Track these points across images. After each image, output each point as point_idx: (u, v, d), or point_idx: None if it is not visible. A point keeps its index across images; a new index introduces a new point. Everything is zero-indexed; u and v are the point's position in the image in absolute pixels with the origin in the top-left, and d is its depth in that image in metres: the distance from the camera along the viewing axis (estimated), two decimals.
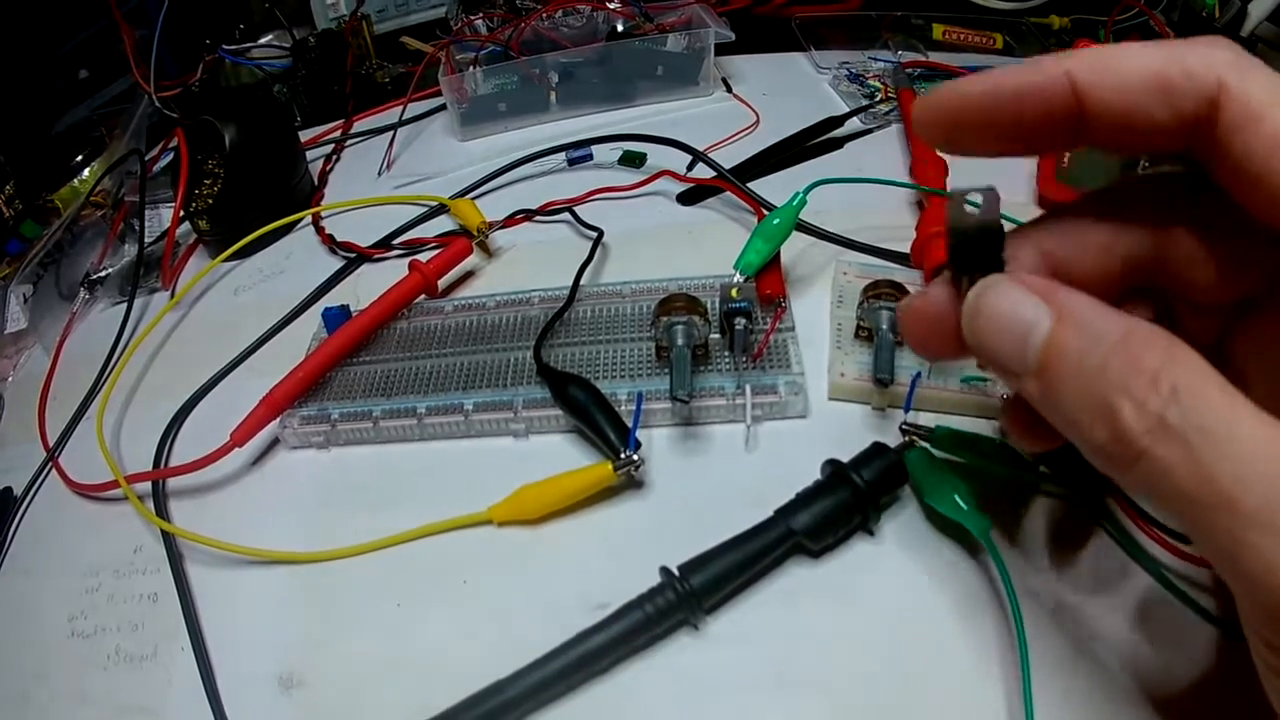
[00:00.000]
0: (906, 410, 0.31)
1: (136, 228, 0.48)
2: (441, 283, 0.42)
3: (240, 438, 0.34)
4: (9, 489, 0.37)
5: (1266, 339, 0.19)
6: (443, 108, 0.58)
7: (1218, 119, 0.16)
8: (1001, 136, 0.19)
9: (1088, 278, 0.20)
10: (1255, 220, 0.17)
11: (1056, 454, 0.25)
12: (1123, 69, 0.17)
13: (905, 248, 0.39)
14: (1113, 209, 0.20)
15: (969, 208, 0.19)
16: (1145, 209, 0.20)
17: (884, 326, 0.33)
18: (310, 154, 0.55)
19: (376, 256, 0.46)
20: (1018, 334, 0.17)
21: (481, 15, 0.58)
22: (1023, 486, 0.29)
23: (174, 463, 0.36)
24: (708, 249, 0.42)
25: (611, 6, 0.56)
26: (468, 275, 0.44)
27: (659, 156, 0.49)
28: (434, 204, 0.48)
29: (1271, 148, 0.16)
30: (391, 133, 0.55)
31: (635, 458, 0.30)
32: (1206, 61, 0.16)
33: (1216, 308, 0.20)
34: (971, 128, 0.19)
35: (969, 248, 0.19)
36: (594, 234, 0.43)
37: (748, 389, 0.33)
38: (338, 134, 0.58)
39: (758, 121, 0.52)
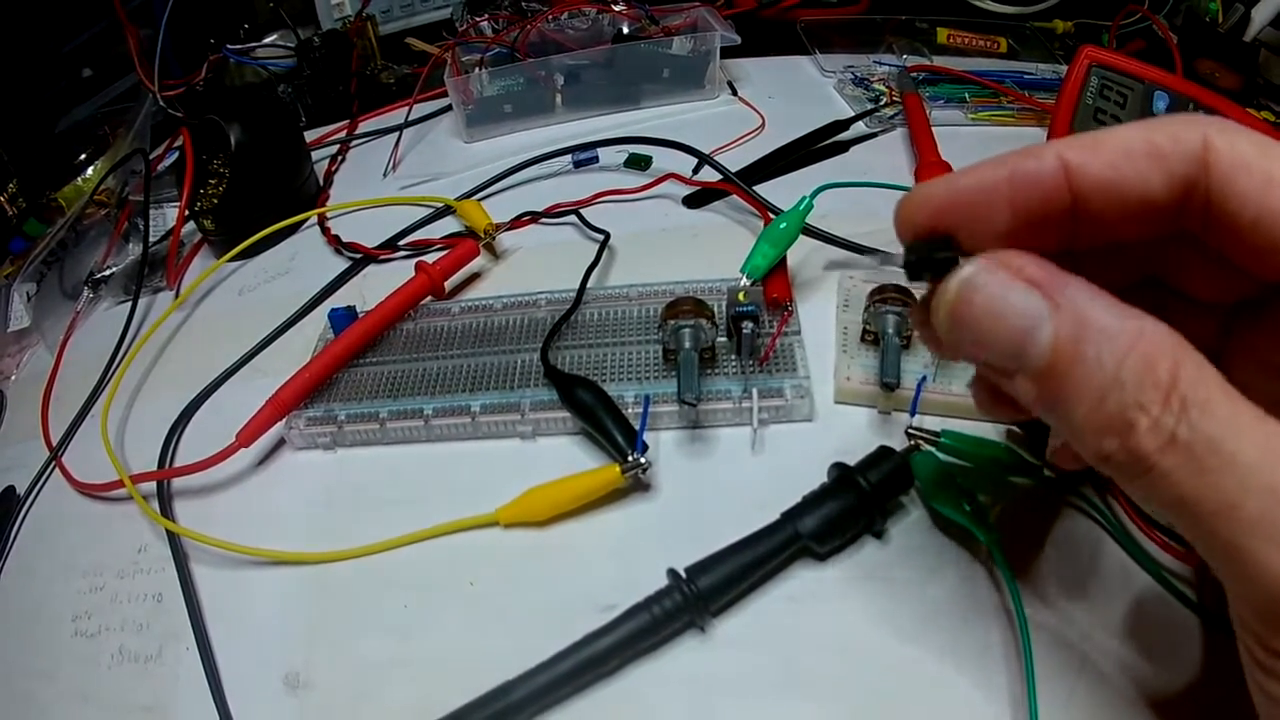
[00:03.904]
0: (912, 414, 0.31)
1: (141, 227, 0.48)
2: (448, 284, 0.42)
3: (246, 438, 0.33)
4: (12, 488, 0.37)
5: (1265, 338, 0.19)
6: (448, 109, 0.58)
7: (1208, 179, 0.16)
8: (996, 229, 0.18)
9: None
10: (1256, 276, 0.17)
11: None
12: (1111, 142, 0.17)
13: None
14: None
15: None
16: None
17: (890, 330, 0.33)
18: (315, 154, 0.55)
19: (382, 257, 0.46)
20: (1017, 331, 0.16)
21: (487, 17, 0.58)
22: (1027, 490, 0.30)
23: (179, 463, 0.36)
24: (713, 252, 0.42)
25: (617, 9, 0.56)
26: (474, 277, 0.44)
27: (664, 159, 0.49)
28: (440, 205, 0.48)
29: (1264, 187, 0.16)
30: (397, 134, 0.55)
31: (642, 460, 0.30)
32: (1190, 125, 0.17)
33: (1216, 306, 0.20)
34: (963, 223, 0.18)
35: (924, 249, 0.19)
36: (600, 236, 0.43)
37: (754, 392, 0.33)
38: (343, 134, 0.58)
39: (763, 125, 0.52)
